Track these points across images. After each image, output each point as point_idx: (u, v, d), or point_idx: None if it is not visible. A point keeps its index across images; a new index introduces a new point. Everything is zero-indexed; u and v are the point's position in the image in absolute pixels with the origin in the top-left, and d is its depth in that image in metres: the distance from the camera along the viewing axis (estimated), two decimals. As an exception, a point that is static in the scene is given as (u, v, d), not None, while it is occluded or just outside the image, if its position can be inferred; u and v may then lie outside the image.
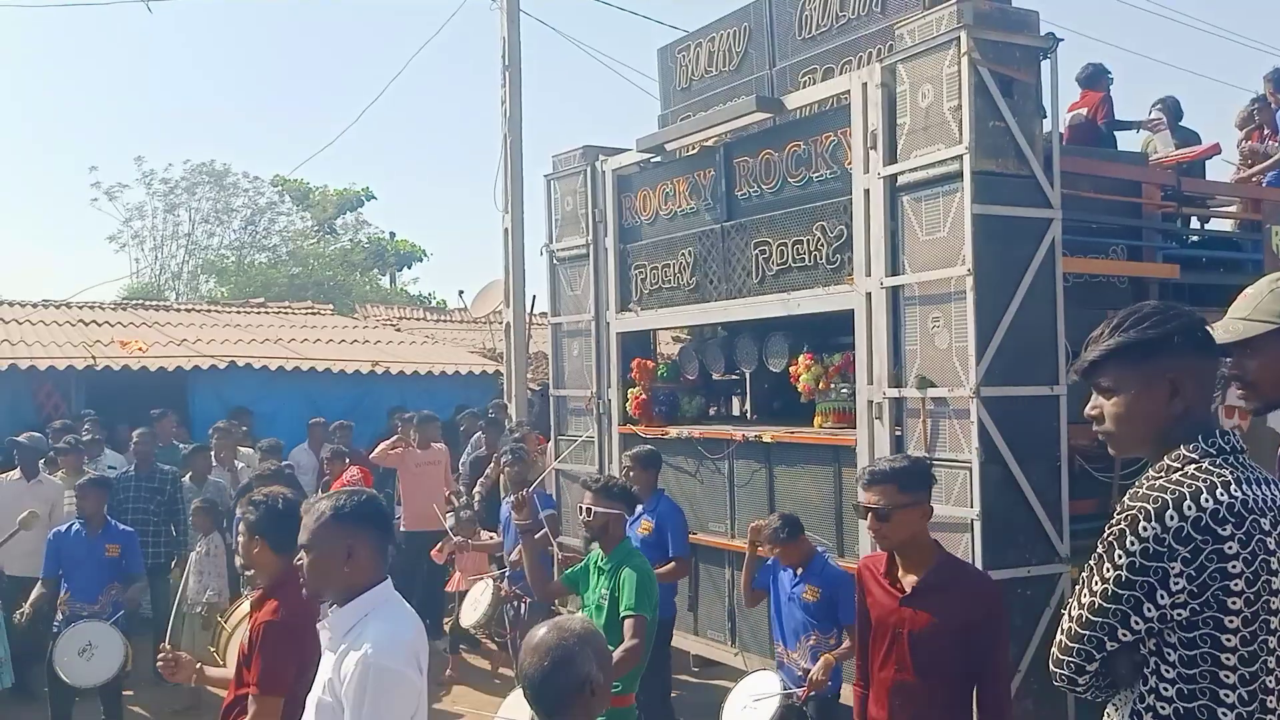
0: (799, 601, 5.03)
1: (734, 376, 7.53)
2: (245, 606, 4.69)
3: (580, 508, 4.64)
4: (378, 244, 33.63)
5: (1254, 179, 7.55)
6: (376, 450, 9.24)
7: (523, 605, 7.16)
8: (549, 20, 27.92)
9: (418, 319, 21.41)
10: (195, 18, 53.42)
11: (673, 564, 6.04)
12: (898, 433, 5.25)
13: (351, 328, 16.45)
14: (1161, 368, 2.10)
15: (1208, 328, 2.19)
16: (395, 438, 9.34)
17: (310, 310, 18.04)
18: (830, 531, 5.75)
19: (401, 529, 8.90)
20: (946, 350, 4.95)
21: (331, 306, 20.18)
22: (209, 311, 16.52)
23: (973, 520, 4.79)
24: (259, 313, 16.83)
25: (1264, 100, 7.99)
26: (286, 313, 17.23)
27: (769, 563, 5.26)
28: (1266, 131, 7.98)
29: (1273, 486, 2.06)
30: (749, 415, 7.69)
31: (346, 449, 9.38)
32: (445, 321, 21.09)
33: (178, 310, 16.63)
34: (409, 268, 34.64)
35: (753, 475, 6.35)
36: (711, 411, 7.79)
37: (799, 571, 5.06)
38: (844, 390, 5.76)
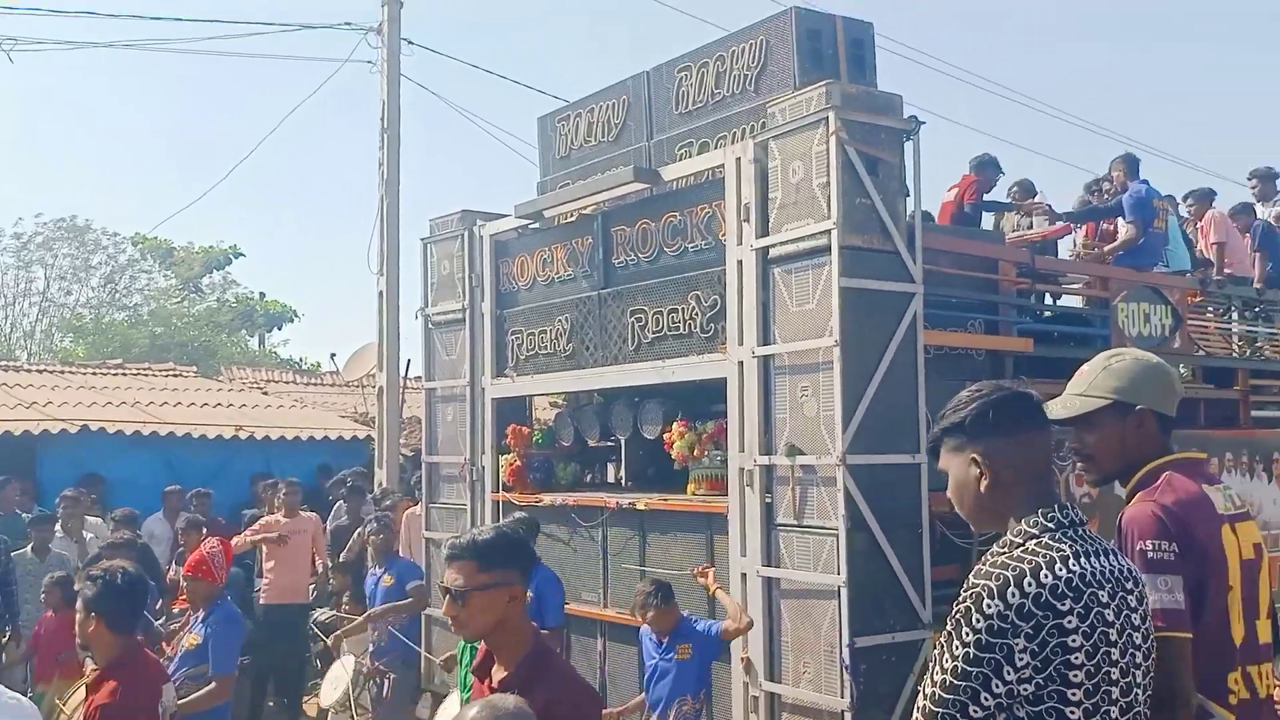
0: (673, 665, 4.99)
1: (609, 443, 7.50)
2: (83, 689, 4.38)
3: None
4: (246, 304, 32.59)
5: (1104, 258, 7.98)
6: (237, 540, 8.54)
7: (386, 682, 6.90)
8: (430, 84, 28.00)
9: (287, 381, 20.77)
10: (57, 70, 51.51)
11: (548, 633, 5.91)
12: (768, 500, 5.30)
13: (215, 390, 15.82)
14: (967, 450, 2.19)
15: (1043, 403, 2.27)
16: (259, 523, 8.88)
17: (171, 372, 17.30)
18: (702, 599, 5.73)
19: (261, 601, 8.50)
20: (815, 419, 5.04)
21: (195, 368, 19.42)
22: (62, 373, 15.65)
23: (840, 587, 4.85)
24: (116, 374, 16.03)
25: (1110, 181, 8.46)
26: (146, 374, 16.47)
27: (639, 632, 5.22)
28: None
29: (1113, 557, 2.12)
30: (624, 482, 7.66)
31: (204, 518, 8.93)
32: (316, 385, 20.52)
33: (28, 371, 15.72)
34: (279, 329, 33.68)
35: (626, 543, 6.30)
36: (587, 478, 7.73)
37: (664, 640, 5.05)
38: (717, 457, 5.80)
